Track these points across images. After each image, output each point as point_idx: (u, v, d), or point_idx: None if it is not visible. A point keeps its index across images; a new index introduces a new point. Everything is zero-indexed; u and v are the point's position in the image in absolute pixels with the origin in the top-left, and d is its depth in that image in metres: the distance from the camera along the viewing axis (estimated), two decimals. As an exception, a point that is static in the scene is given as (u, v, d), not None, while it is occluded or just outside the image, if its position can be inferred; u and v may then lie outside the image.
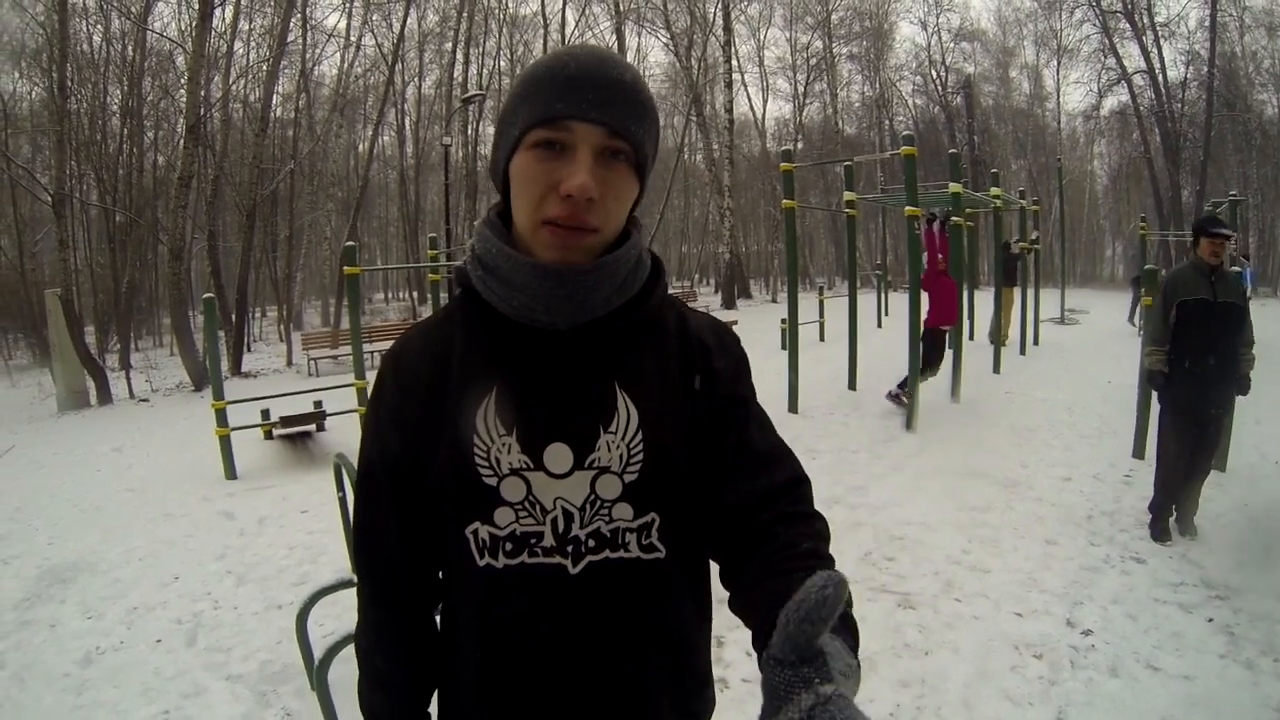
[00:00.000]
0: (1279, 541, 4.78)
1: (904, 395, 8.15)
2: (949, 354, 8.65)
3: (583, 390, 0.97)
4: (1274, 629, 3.76)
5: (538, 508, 0.94)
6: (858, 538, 4.98)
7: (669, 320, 1.05)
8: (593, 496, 0.95)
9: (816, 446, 6.99)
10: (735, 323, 15.65)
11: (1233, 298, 4.65)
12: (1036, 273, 14.50)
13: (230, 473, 7.36)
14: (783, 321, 9.12)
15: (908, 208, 7.79)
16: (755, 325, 16.03)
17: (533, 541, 0.94)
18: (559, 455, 0.94)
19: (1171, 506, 4.96)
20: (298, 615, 3.44)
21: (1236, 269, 5.34)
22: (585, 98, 0.89)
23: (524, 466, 0.94)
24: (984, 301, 14.11)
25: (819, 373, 9.94)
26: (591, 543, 0.95)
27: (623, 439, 0.96)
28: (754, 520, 0.95)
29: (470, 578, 0.96)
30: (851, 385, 9.56)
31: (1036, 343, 13.72)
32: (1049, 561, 4.63)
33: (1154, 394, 5.12)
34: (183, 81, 17.75)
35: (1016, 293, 13.15)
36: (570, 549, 0.95)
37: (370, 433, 1.03)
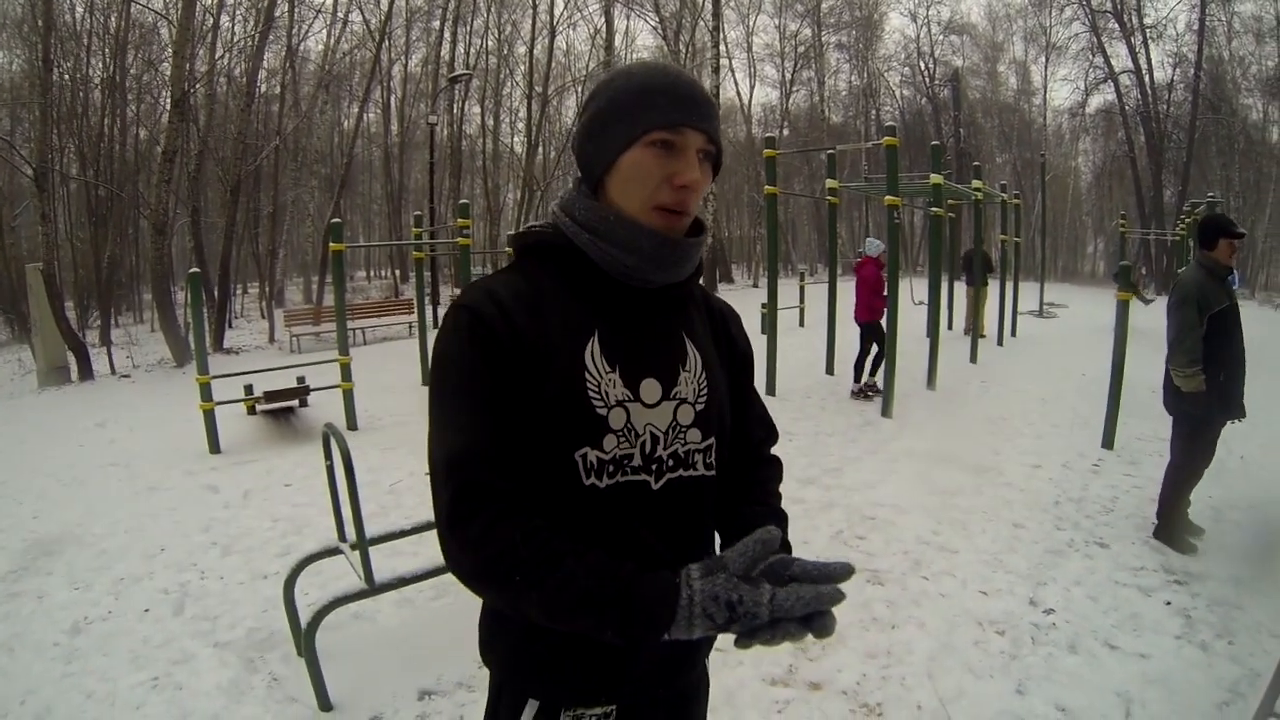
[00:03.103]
0: (1238, 532, 4.95)
1: (867, 387, 8.39)
2: (926, 342, 8.78)
3: (664, 336, 1.20)
4: (1230, 614, 3.90)
5: (633, 433, 1.12)
6: (830, 517, 5.10)
7: (699, 293, 1.34)
8: (674, 422, 1.16)
9: (793, 429, 7.11)
10: (717, 308, 15.99)
11: (1237, 300, 4.54)
12: (1016, 266, 14.64)
13: (214, 447, 7.40)
14: (763, 306, 9.22)
15: (888, 197, 7.89)
16: (736, 309, 16.12)
17: (625, 462, 1.11)
18: (651, 388, 1.14)
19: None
20: (285, 582, 3.52)
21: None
22: (696, 110, 1.13)
23: (626, 398, 1.12)
24: (961, 292, 14.24)
25: (798, 357, 10.07)
26: (671, 462, 1.15)
27: (695, 377, 1.20)
28: (748, 455, 1.36)
29: (572, 496, 1.09)
30: (829, 370, 9.68)
31: (1014, 334, 13.88)
32: (1015, 544, 4.77)
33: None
34: (167, 54, 17.59)
35: (993, 288, 13.29)
36: (654, 467, 1.14)
37: (477, 369, 1.06)
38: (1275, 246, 31.62)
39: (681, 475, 1.16)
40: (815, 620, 0.95)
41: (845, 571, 0.99)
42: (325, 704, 3.13)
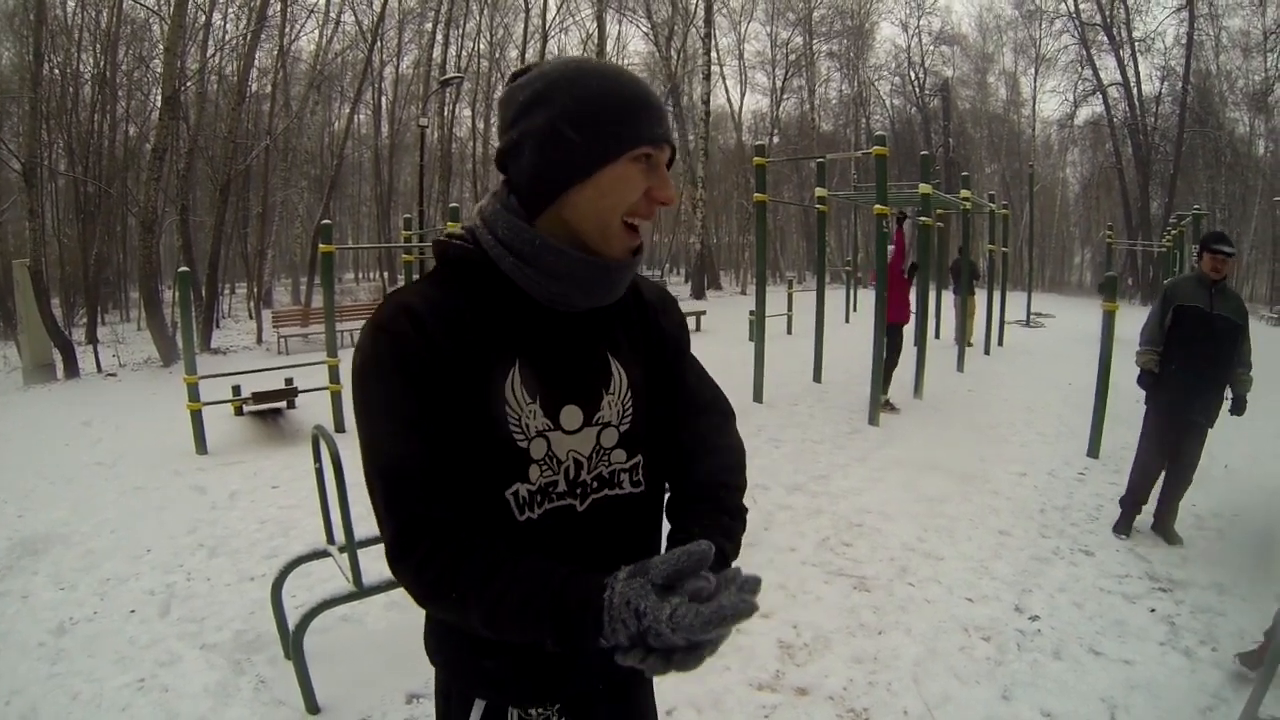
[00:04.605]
0: (1222, 540, 5.00)
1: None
2: (913, 351, 8.80)
3: (587, 360, 1.14)
4: (1213, 621, 3.95)
5: (555, 460, 1.10)
6: (817, 524, 5.12)
7: (629, 293, 1.23)
8: (597, 446, 1.13)
9: (780, 436, 7.13)
10: (704, 313, 15.93)
11: (1231, 313, 4.68)
12: (1004, 276, 14.73)
13: (201, 447, 7.36)
14: (751, 313, 9.25)
15: (877, 206, 7.92)
16: (723, 316, 16.19)
17: (551, 489, 1.10)
18: (572, 415, 1.11)
19: (1140, 505, 5.11)
20: (273, 584, 3.51)
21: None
22: (667, 124, 1.10)
23: (546, 428, 1.09)
24: (949, 301, 14.31)
25: (785, 365, 10.09)
26: (595, 484, 1.14)
27: (619, 398, 1.15)
28: (696, 445, 1.25)
29: (508, 530, 1.07)
30: (817, 378, 9.71)
31: (1001, 344, 13.96)
32: (1001, 551, 4.80)
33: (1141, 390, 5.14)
34: (159, 51, 17.49)
35: (980, 297, 13.36)
36: (579, 491, 1.12)
37: (400, 392, 1.02)
38: (1260, 259, 31.93)
39: (607, 495, 1.15)
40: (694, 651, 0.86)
41: (753, 585, 0.90)
42: (313, 706, 3.12)
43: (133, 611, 4.10)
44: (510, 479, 1.07)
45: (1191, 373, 4.74)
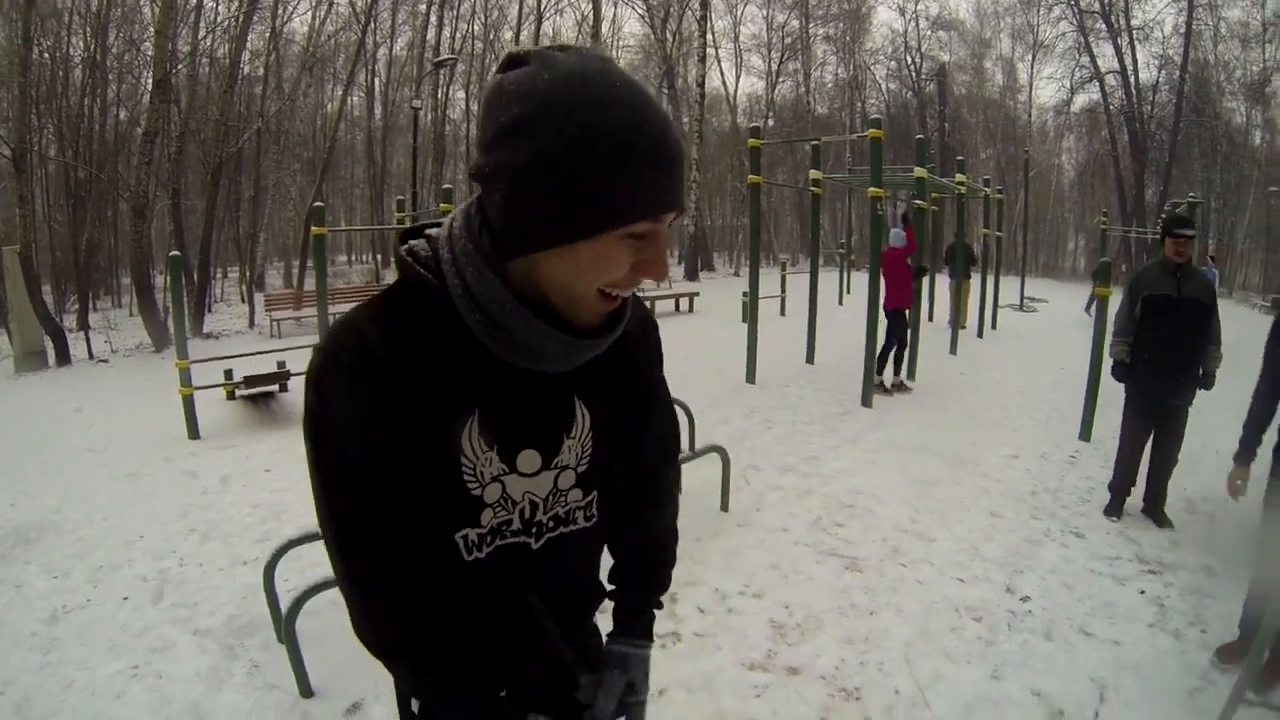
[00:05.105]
0: (1211, 524, 5.02)
1: (893, 381, 8.53)
2: (908, 335, 8.82)
3: (550, 406, 1.07)
4: (1202, 603, 3.96)
5: (510, 501, 1.07)
6: (808, 504, 5.14)
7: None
8: (554, 489, 1.10)
9: (772, 418, 7.14)
10: (697, 294, 15.90)
11: (1198, 295, 4.73)
12: (997, 261, 14.74)
13: (193, 432, 7.34)
14: (744, 295, 9.23)
15: (871, 188, 7.91)
16: (717, 297, 16.17)
17: (504, 529, 1.08)
18: (530, 459, 1.07)
19: (1128, 488, 5.15)
20: (265, 568, 3.50)
21: (1204, 268, 5.45)
22: (679, 183, 0.91)
23: (501, 472, 1.05)
24: (943, 285, 14.31)
25: (778, 346, 10.07)
26: (550, 523, 1.12)
27: (579, 440, 1.11)
28: (639, 493, 1.32)
29: (456, 569, 1.06)
30: (810, 360, 9.71)
31: (994, 327, 14.00)
32: (992, 533, 4.82)
33: (1117, 382, 5.23)
34: (149, 34, 17.34)
35: (974, 281, 13.36)
36: (534, 530, 1.11)
37: (351, 429, 0.95)
38: (1254, 248, 32.07)
39: (562, 532, 1.14)
40: None
41: None
42: (306, 690, 3.12)
43: (125, 598, 4.10)
44: (461, 524, 1.04)
45: (1164, 360, 4.79)
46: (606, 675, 1.27)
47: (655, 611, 1.38)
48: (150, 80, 14.49)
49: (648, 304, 10.55)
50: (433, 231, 1.04)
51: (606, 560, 1.34)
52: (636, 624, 1.34)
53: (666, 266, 0.97)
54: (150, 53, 15.94)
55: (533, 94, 0.86)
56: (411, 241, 1.03)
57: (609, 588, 1.37)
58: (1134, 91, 32.28)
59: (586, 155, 0.84)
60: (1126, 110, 32.70)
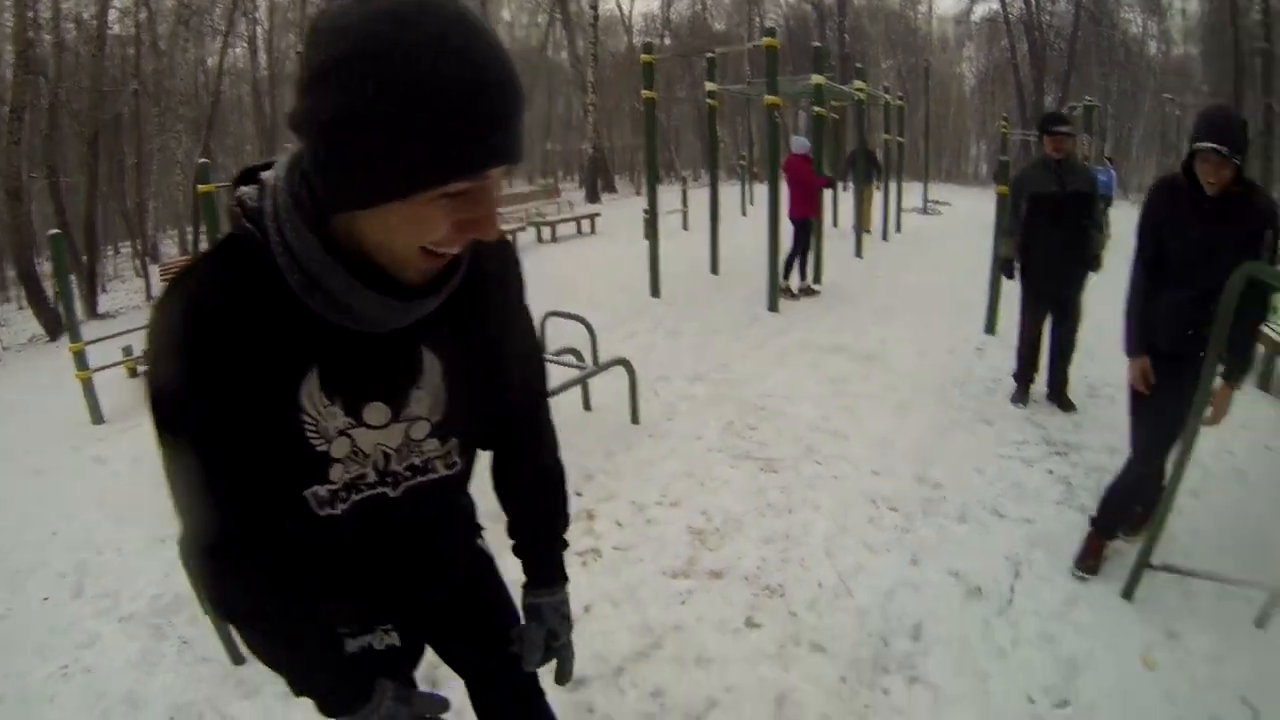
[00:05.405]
0: (1112, 406, 5.13)
1: (800, 285, 8.56)
2: (812, 240, 8.81)
3: (394, 358, 1.01)
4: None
5: (361, 454, 1.03)
6: (720, 410, 5.06)
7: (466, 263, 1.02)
8: (407, 439, 1.06)
9: (679, 328, 7.01)
10: (598, 215, 15.64)
11: (1079, 187, 4.83)
12: (899, 166, 14.86)
13: (96, 417, 6.76)
14: (645, 212, 9.03)
15: (767, 97, 7.74)
16: (618, 217, 15.97)
17: (359, 482, 1.05)
18: (377, 411, 1.02)
19: (1032, 375, 5.28)
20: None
21: (1096, 164, 5.54)
22: (504, 138, 0.79)
23: (348, 426, 1.00)
24: (846, 192, 14.38)
25: (683, 259, 9.91)
26: (407, 473, 1.09)
27: (429, 391, 1.05)
28: (511, 437, 1.30)
29: (311, 525, 1.04)
30: (714, 270, 9.61)
31: (899, 230, 14.15)
32: (903, 426, 4.84)
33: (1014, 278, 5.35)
34: (8, 3, 15.76)
35: (876, 188, 13.45)
36: (390, 479, 1.08)
37: (181, 393, 0.90)
38: (1148, 152, 33.36)
39: (420, 481, 1.11)
40: None
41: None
42: (237, 657, 2.95)
43: (46, 599, 3.76)
44: (308, 480, 1.01)
45: (1054, 253, 4.89)
46: (526, 629, 1.31)
47: (562, 551, 1.37)
48: (11, 53, 13.26)
49: (548, 229, 10.19)
50: (266, 175, 0.93)
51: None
52: (544, 572, 1.35)
53: (495, 223, 0.87)
54: (10, 24, 14.51)
55: (342, 35, 0.75)
56: (243, 188, 0.93)
57: (510, 542, 1.37)
58: (1033, 1, 32.68)
59: (387, 109, 0.73)
60: (1026, 19, 33.16)
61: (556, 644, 1.33)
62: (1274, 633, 3.06)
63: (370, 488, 1.05)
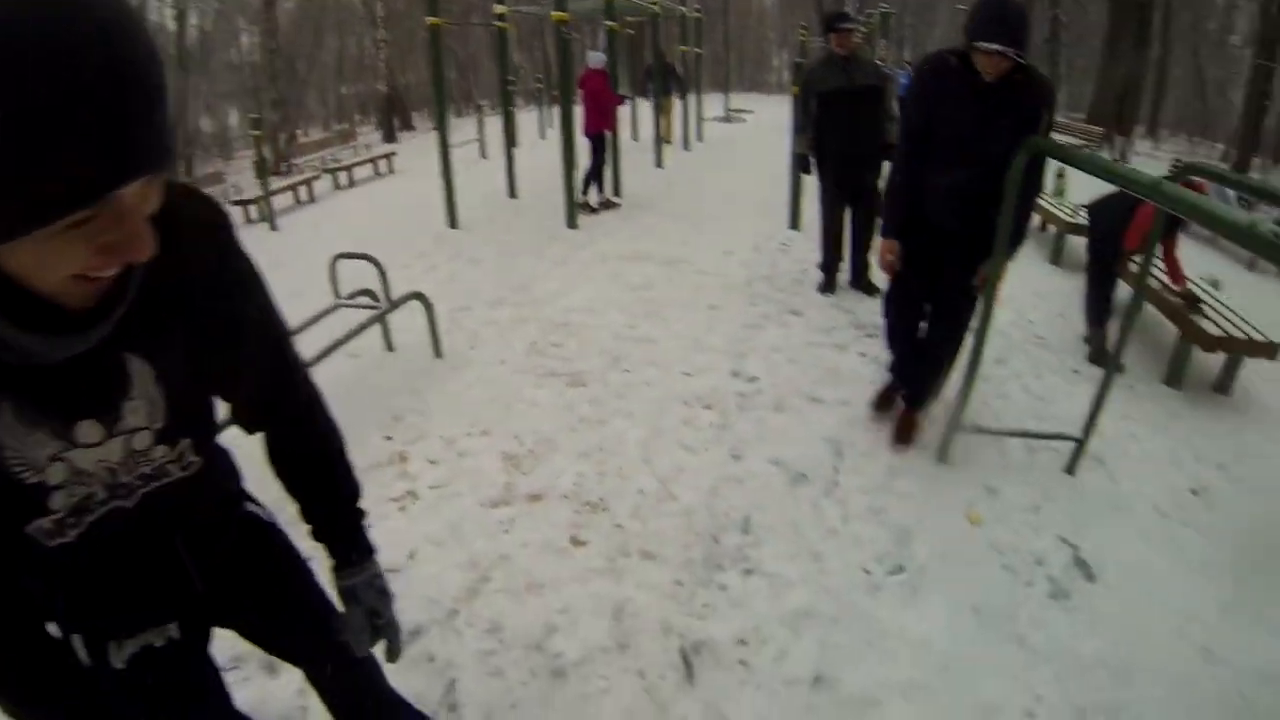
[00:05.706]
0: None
1: (599, 199, 8.48)
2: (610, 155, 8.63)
3: (94, 373, 0.88)
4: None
5: (84, 475, 0.92)
6: (523, 331, 4.75)
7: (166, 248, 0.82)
8: (130, 452, 0.95)
9: (479, 255, 6.57)
10: (394, 154, 14.83)
11: (868, 80, 4.89)
12: (698, 75, 14.80)
13: None
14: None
15: (554, 12, 7.34)
16: (416, 153, 15.41)
17: (88, 501, 0.94)
18: (90, 429, 0.90)
19: (836, 264, 5.34)
20: None
21: (896, 67, 5.61)
22: (127, 146, 0.62)
23: (60, 450, 0.88)
24: (645, 104, 14.23)
25: (481, 187, 9.50)
26: (138, 483, 0.98)
27: (144, 400, 0.93)
28: (272, 418, 1.18)
29: (43, 558, 0.94)
30: (512, 194, 9.23)
31: (700, 139, 14.13)
32: (713, 325, 4.72)
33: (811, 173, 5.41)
34: None
35: (676, 99, 13.35)
36: (122, 491, 0.97)
37: None
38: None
39: (155, 487, 1.00)
40: None
41: None
42: None
43: None
44: (26, 516, 0.90)
45: (847, 146, 4.97)
46: (347, 614, 1.24)
47: (361, 521, 1.27)
48: None
49: (345, 175, 9.44)
50: None
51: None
52: (347, 550, 1.25)
53: (144, 241, 0.71)
54: None
55: None
56: None
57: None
58: (832, -90, 33.36)
59: None
60: (824, -73, 33.87)
61: (380, 622, 1.26)
62: (1082, 477, 3.21)
63: (102, 504, 0.96)
